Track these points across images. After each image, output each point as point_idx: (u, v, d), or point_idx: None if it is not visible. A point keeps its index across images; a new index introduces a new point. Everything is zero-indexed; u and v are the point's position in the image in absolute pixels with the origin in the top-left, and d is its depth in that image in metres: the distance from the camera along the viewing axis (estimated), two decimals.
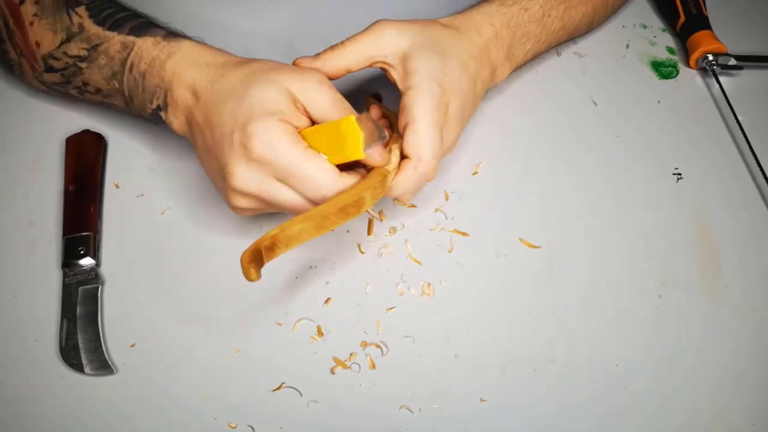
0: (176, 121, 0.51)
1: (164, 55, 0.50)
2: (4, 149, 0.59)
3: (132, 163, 0.58)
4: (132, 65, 0.50)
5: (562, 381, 0.51)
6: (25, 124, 0.60)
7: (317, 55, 0.51)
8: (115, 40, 0.51)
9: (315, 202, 0.46)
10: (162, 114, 0.51)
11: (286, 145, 0.45)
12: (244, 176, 0.46)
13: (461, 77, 0.51)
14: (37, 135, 0.59)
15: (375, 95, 0.59)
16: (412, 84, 0.49)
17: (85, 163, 0.57)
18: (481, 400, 0.50)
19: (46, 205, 0.56)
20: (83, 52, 0.51)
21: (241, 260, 0.43)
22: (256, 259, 0.44)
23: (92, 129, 0.59)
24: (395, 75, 0.51)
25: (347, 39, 0.51)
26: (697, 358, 0.52)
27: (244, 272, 0.43)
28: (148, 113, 0.52)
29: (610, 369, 0.51)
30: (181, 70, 0.49)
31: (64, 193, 0.56)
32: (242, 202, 0.48)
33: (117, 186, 0.57)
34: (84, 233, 0.54)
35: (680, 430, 0.49)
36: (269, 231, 0.44)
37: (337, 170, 0.46)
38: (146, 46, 0.50)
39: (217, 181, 0.49)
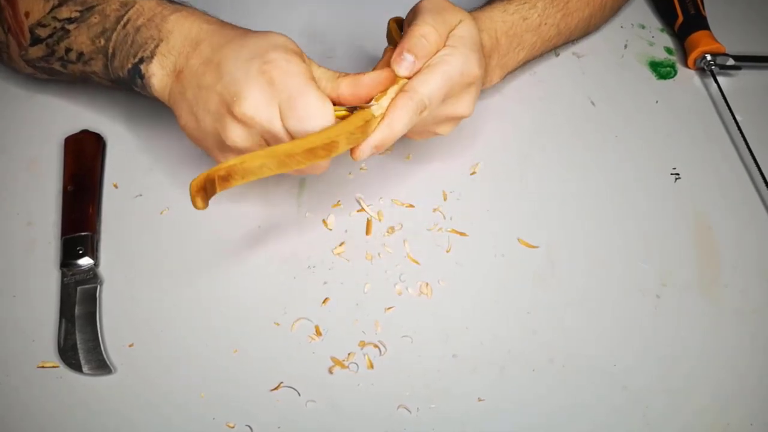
0: (160, 71, 0.49)
1: (168, 11, 0.50)
2: (3, 149, 0.59)
3: (131, 163, 0.59)
4: (128, 21, 0.50)
5: (561, 381, 0.50)
6: (24, 124, 0.60)
7: (407, 57, 0.48)
8: (114, 1, 0.51)
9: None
10: (142, 66, 0.50)
11: (305, 77, 0.45)
12: (255, 102, 0.45)
13: (483, 65, 0.51)
14: (36, 135, 0.59)
15: (398, 20, 0.56)
16: (456, 44, 0.49)
17: (83, 163, 0.57)
18: (480, 400, 0.50)
19: (45, 205, 0.56)
20: (74, 14, 0.51)
21: (190, 188, 0.42)
22: (206, 188, 0.42)
23: (91, 129, 0.59)
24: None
25: (418, 30, 0.48)
26: (695, 358, 0.52)
27: (192, 200, 0.42)
28: (126, 71, 0.51)
29: (608, 369, 0.51)
30: (186, 22, 0.49)
31: (63, 193, 0.56)
32: (240, 136, 0.46)
33: (116, 186, 0.57)
34: (83, 233, 0.54)
35: (679, 429, 0.49)
36: (227, 160, 0.43)
37: (332, 114, 0.45)
38: (149, 5, 0.50)
39: (207, 124, 0.47)
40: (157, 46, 0.49)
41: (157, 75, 0.49)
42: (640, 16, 0.72)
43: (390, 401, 0.49)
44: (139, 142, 0.59)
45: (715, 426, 0.49)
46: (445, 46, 0.49)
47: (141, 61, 0.49)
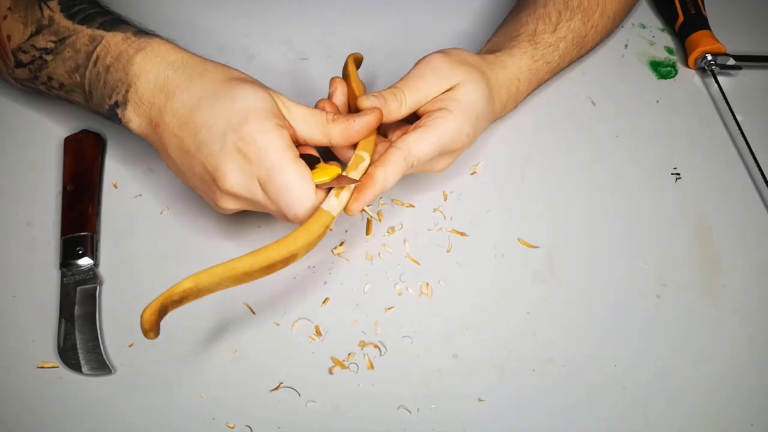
0: (136, 119, 0.49)
1: (133, 50, 0.49)
2: (3, 149, 0.59)
3: (130, 163, 0.58)
4: (97, 58, 0.49)
5: (561, 381, 0.50)
6: (24, 124, 0.60)
7: (375, 101, 0.49)
8: (84, 32, 0.50)
9: (284, 215, 0.46)
10: (119, 111, 0.49)
11: (282, 150, 0.45)
12: (235, 179, 0.45)
13: (480, 127, 0.53)
14: (36, 135, 0.59)
15: (357, 58, 0.57)
16: (453, 108, 0.50)
17: (83, 163, 0.57)
18: (480, 400, 0.49)
19: (45, 205, 0.56)
20: (50, 45, 0.50)
21: (143, 321, 0.41)
22: (161, 314, 0.41)
23: (91, 129, 0.59)
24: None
25: (404, 86, 0.51)
26: (695, 358, 0.52)
27: (144, 333, 0.41)
28: (105, 109, 0.51)
29: (608, 369, 0.51)
30: (151, 66, 0.48)
31: (63, 193, 0.56)
32: (231, 204, 0.47)
33: (115, 186, 0.57)
34: (82, 233, 0.54)
35: (678, 429, 0.49)
36: (181, 283, 0.42)
37: (313, 188, 0.45)
38: (115, 41, 0.49)
39: (197, 183, 0.48)
40: (127, 91, 0.49)
41: (134, 121, 0.50)
42: (640, 15, 0.72)
43: (390, 401, 0.49)
44: (139, 142, 0.59)
45: (715, 426, 0.49)
46: (442, 108, 0.50)
47: (116, 104, 0.49)
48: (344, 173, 0.48)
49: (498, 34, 0.61)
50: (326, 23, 0.68)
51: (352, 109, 0.53)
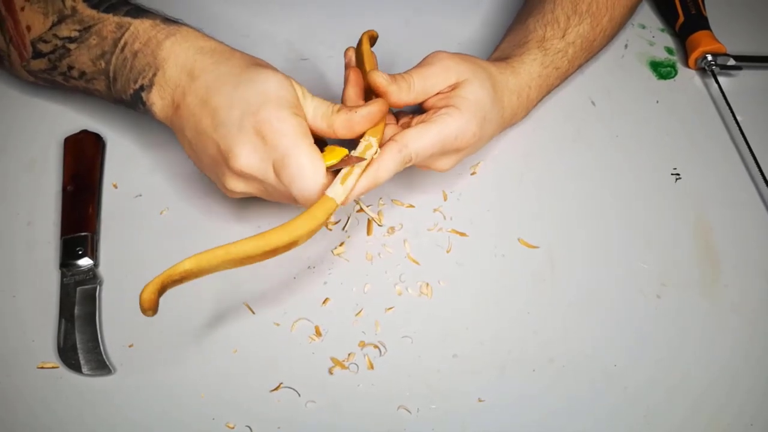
0: (160, 102, 0.50)
1: (162, 36, 0.49)
2: (3, 149, 0.59)
3: (130, 163, 0.58)
4: (125, 44, 0.50)
5: (561, 381, 0.50)
6: (24, 124, 0.60)
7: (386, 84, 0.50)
8: (111, 20, 0.50)
9: (293, 198, 0.46)
10: (143, 94, 0.50)
11: (298, 136, 0.45)
12: (248, 160, 0.46)
13: (487, 130, 0.53)
14: (36, 135, 0.59)
15: (373, 36, 0.57)
16: (460, 105, 0.50)
17: (83, 163, 0.57)
18: (480, 400, 0.49)
19: (45, 205, 0.56)
20: (74, 33, 0.51)
21: (144, 299, 0.41)
22: (160, 293, 0.42)
23: (91, 129, 0.59)
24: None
25: (413, 72, 0.51)
26: (695, 358, 0.52)
27: (143, 309, 0.42)
28: (128, 95, 0.51)
29: (608, 369, 0.51)
30: (180, 50, 0.49)
31: (63, 194, 0.56)
32: (239, 186, 0.48)
33: (115, 186, 0.57)
34: (82, 233, 0.54)
35: (679, 429, 0.49)
36: (182, 263, 0.42)
37: (324, 171, 0.46)
38: (143, 27, 0.50)
39: (208, 163, 0.49)
40: (154, 75, 0.49)
41: (157, 104, 0.50)
42: (640, 16, 0.72)
43: (390, 401, 0.49)
44: (139, 142, 0.59)
45: (715, 425, 0.49)
46: (449, 105, 0.50)
47: (142, 88, 0.50)
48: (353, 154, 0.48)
49: (505, 41, 0.61)
50: (326, 23, 0.68)
51: (365, 88, 0.53)
